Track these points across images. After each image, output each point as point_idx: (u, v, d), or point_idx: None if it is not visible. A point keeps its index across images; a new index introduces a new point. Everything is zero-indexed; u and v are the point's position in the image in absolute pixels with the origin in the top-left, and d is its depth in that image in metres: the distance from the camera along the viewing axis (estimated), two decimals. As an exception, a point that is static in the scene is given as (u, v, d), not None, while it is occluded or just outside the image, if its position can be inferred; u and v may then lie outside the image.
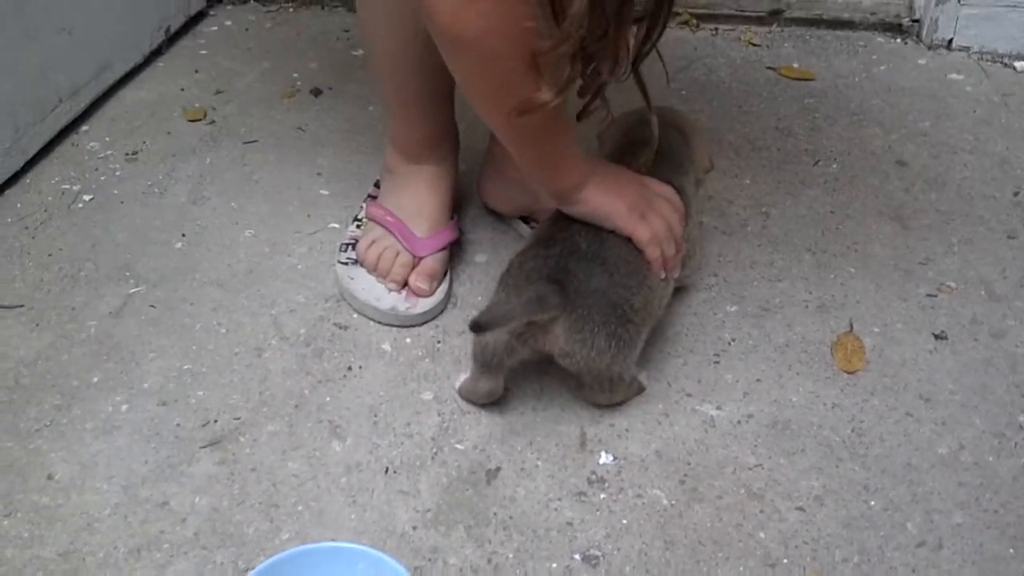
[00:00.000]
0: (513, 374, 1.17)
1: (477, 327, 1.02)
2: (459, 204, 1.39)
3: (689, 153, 1.25)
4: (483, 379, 1.11)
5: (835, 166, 1.52)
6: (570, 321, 1.05)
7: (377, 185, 1.37)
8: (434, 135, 1.28)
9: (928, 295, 1.31)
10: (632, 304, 1.08)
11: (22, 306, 1.24)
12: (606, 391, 1.11)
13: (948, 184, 1.49)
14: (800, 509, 1.06)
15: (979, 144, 1.57)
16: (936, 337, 1.25)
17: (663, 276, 1.13)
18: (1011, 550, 1.03)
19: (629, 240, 1.10)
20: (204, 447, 1.10)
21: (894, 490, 1.09)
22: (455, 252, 1.32)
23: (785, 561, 1.02)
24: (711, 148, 1.34)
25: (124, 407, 1.13)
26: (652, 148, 1.17)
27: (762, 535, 1.04)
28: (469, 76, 1.00)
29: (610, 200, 1.09)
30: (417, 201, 1.29)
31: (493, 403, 1.15)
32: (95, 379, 1.16)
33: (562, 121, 1.04)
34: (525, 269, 1.08)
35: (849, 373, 1.21)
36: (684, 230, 1.15)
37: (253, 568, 0.93)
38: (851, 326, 1.26)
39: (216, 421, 1.12)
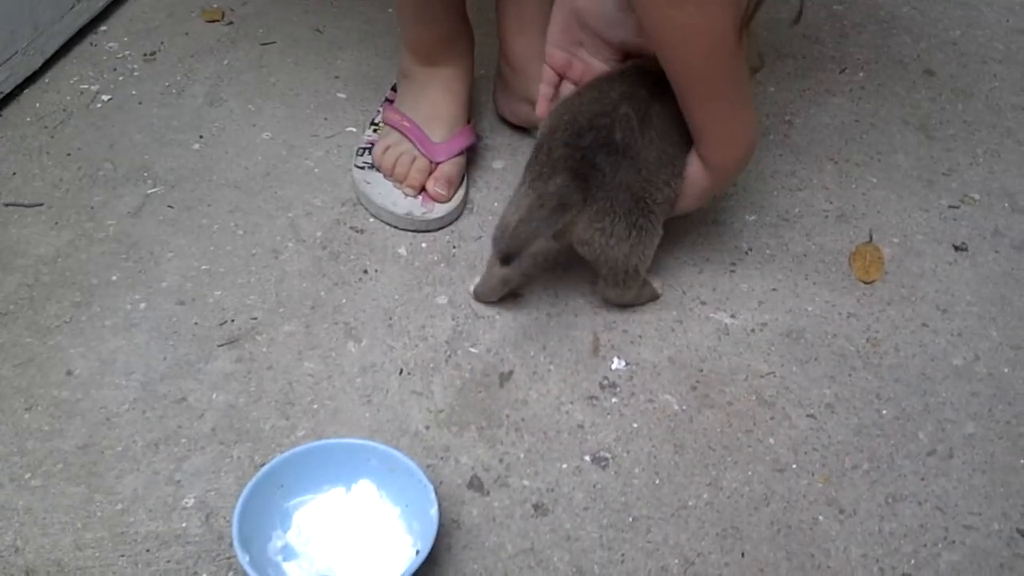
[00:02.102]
0: (528, 280, 1.17)
1: (507, 258, 1.02)
2: (477, 109, 1.38)
3: None
4: (500, 264, 1.11)
5: (861, 74, 1.49)
6: (591, 212, 1.05)
7: (395, 89, 1.35)
8: (448, 35, 1.26)
9: (950, 206, 1.29)
10: (655, 198, 1.08)
11: (41, 204, 1.25)
12: (619, 285, 1.11)
13: (976, 94, 1.46)
14: (811, 416, 1.07)
15: (1010, 54, 1.53)
16: (956, 248, 1.24)
17: None
18: (1022, 461, 1.04)
19: (667, 134, 1.08)
20: (221, 345, 1.11)
21: (907, 399, 1.09)
22: (472, 158, 1.31)
23: (794, 467, 1.03)
24: (763, 46, 1.29)
25: (142, 305, 1.14)
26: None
27: (772, 441, 1.05)
28: (692, 32, 0.98)
29: (703, 192, 1.11)
30: (433, 105, 1.27)
31: (507, 307, 1.15)
32: (114, 277, 1.17)
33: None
34: (553, 157, 1.06)
35: (866, 283, 1.20)
36: None
37: (268, 462, 0.95)
38: (871, 236, 1.25)
39: (233, 320, 1.13)
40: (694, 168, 1.09)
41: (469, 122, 1.30)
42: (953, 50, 1.54)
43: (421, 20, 1.24)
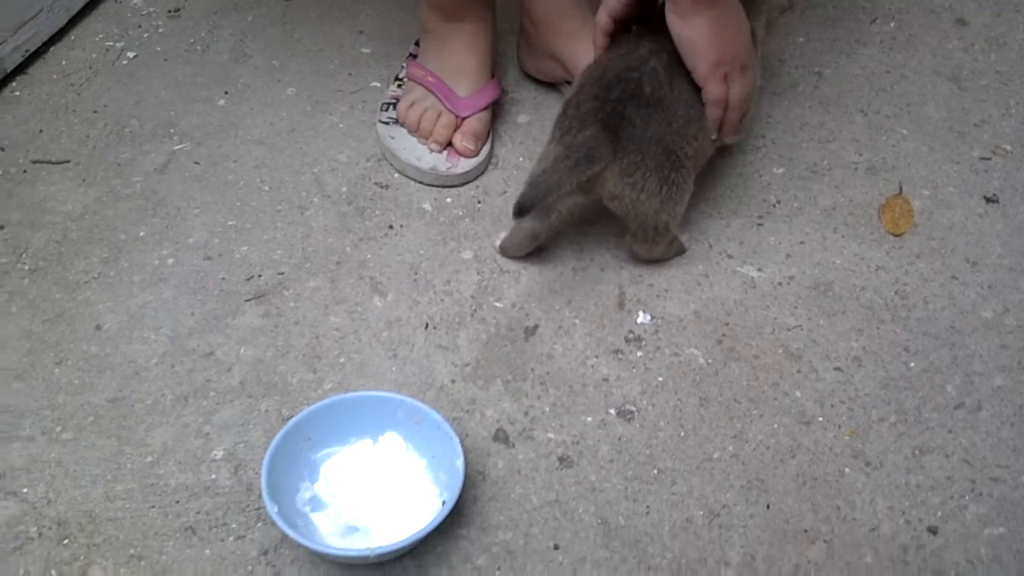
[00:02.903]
0: (555, 235, 1.16)
1: (521, 209, 1.01)
2: (501, 64, 1.37)
3: None
4: (528, 218, 1.09)
5: (892, 24, 1.46)
6: (622, 165, 1.04)
7: (418, 44, 1.34)
8: None
9: (982, 158, 1.28)
10: (687, 151, 1.07)
11: (68, 162, 1.25)
12: (648, 241, 1.11)
13: (1009, 44, 1.43)
14: (838, 369, 1.06)
15: (1046, 2, 1.50)
16: (987, 200, 1.22)
17: (714, 137, 1.10)
18: (1051, 413, 1.03)
19: (695, 88, 1.06)
20: (249, 300, 1.11)
21: (935, 352, 1.08)
22: (497, 112, 1.31)
23: (820, 419, 1.02)
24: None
25: (170, 261, 1.15)
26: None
27: (798, 394, 1.04)
28: None
29: (707, 42, 1.03)
30: (456, 60, 1.26)
31: (532, 262, 1.15)
32: (141, 233, 1.18)
33: None
34: (582, 111, 1.05)
35: (896, 236, 1.19)
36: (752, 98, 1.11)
37: (296, 415, 0.96)
38: (900, 188, 1.24)
39: (260, 276, 1.14)
40: (672, 23, 1.04)
41: (493, 76, 1.29)
42: (987, -1, 1.51)
43: None
